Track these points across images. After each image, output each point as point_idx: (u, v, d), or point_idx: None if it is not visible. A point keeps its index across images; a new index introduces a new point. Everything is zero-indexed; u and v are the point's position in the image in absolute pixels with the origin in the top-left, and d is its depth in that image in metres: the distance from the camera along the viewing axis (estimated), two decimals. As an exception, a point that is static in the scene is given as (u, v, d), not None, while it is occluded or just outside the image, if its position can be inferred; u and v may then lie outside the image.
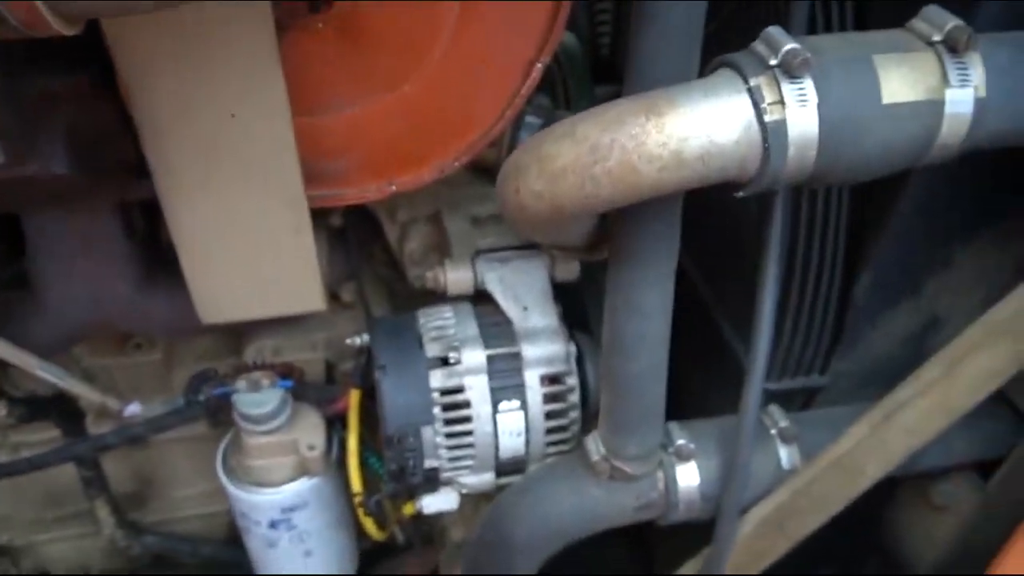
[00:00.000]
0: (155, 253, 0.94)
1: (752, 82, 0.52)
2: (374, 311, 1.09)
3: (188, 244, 0.76)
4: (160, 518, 1.37)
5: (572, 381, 0.87)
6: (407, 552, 1.35)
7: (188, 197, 0.72)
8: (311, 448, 1.00)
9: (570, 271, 0.91)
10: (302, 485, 1.02)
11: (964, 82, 0.53)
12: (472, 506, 1.15)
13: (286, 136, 0.70)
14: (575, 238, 0.70)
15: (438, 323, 0.88)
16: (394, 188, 0.82)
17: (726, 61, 0.54)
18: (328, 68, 0.72)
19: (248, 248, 0.77)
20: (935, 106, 0.53)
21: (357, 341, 0.89)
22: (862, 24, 0.72)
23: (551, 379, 0.86)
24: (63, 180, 0.75)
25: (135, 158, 0.78)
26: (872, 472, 0.78)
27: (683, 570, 0.87)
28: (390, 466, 0.85)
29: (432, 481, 0.87)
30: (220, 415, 1.02)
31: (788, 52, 0.51)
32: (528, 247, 0.91)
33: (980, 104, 0.54)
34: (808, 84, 0.51)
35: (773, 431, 0.82)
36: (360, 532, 1.28)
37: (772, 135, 0.52)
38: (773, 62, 0.51)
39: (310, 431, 1.01)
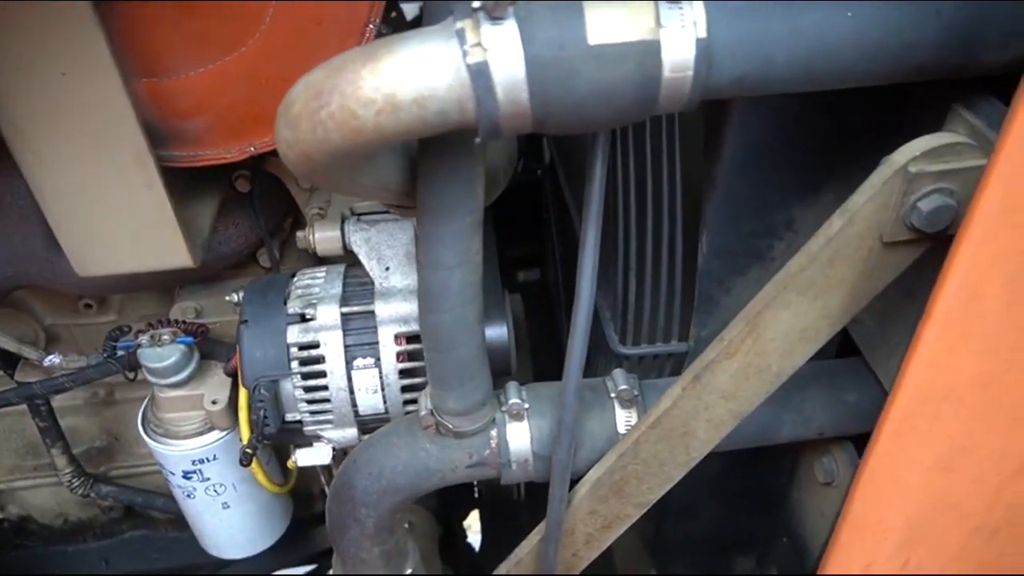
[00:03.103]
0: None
1: (458, 25, 0.52)
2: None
3: (49, 200, 0.82)
4: (127, 472, 1.46)
5: (430, 340, 0.88)
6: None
7: (39, 155, 0.78)
8: (214, 403, 1.06)
9: (438, 234, 0.92)
10: (209, 438, 1.08)
11: (679, 23, 0.52)
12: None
13: (119, 94, 0.74)
14: (378, 193, 0.72)
15: (307, 282, 0.91)
16: (253, 149, 0.85)
17: (450, 8, 0.55)
18: (163, 30, 0.76)
19: (104, 204, 0.82)
20: (649, 46, 0.52)
21: (235, 298, 0.94)
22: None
23: (407, 338, 0.88)
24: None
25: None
26: (704, 436, 0.77)
27: (532, 534, 0.87)
28: (252, 416, 0.89)
29: (295, 433, 0.91)
30: (138, 369, 1.09)
31: (488, -7, 0.51)
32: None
33: (704, 45, 0.53)
34: (510, 26, 0.52)
35: (613, 394, 0.82)
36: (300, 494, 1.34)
37: (476, 77, 0.52)
38: (476, 5, 0.52)
39: (216, 387, 1.07)
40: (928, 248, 0.63)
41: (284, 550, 1.34)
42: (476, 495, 1.57)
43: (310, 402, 0.88)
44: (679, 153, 0.76)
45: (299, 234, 0.93)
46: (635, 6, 0.52)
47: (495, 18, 0.52)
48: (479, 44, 0.52)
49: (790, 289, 0.65)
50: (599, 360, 0.99)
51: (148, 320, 1.23)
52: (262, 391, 0.86)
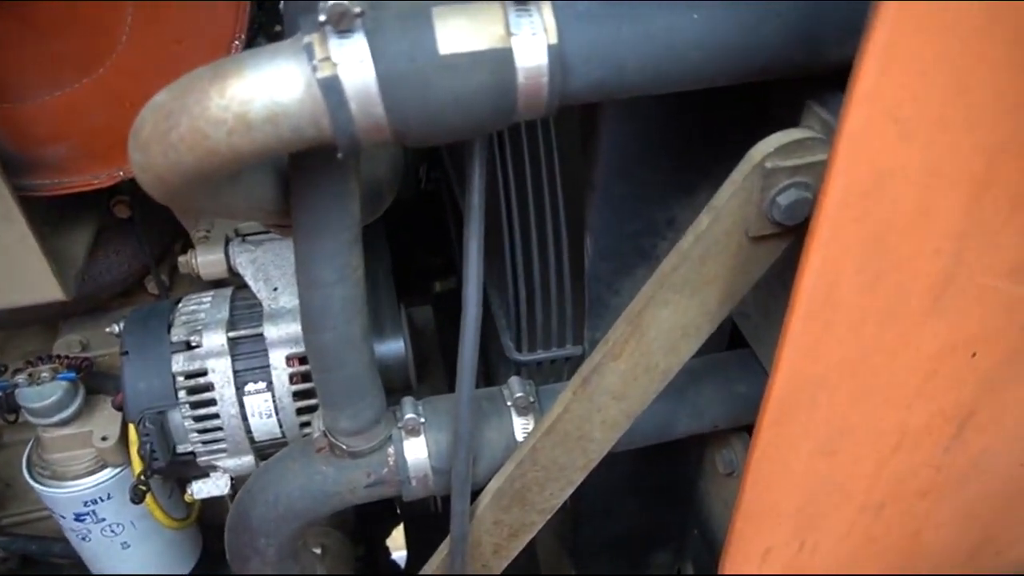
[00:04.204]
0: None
1: (306, 40, 0.51)
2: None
3: None
4: (22, 519, 1.38)
5: (323, 360, 0.86)
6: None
7: None
8: (104, 439, 1.01)
9: (328, 251, 0.90)
10: (101, 477, 1.03)
11: (529, 31, 0.52)
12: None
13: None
14: (252, 213, 0.70)
15: (192, 308, 0.88)
16: (122, 174, 0.82)
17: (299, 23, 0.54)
18: (13, 54, 0.72)
19: (-42, 238, 0.77)
20: (501, 55, 0.52)
21: (115, 329, 0.89)
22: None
23: (300, 359, 0.86)
24: None
25: None
26: (601, 437, 0.77)
27: (439, 550, 0.86)
28: (140, 452, 0.85)
29: (189, 465, 0.87)
30: (18, 411, 1.03)
31: (331, 7, 0.50)
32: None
33: (556, 52, 0.53)
34: (358, 39, 0.51)
35: (509, 402, 0.81)
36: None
37: (326, 92, 0.51)
38: (322, 18, 0.51)
39: (105, 422, 1.02)
40: (794, 240, 0.65)
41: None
42: (397, 511, 1.55)
43: (201, 431, 0.85)
44: (558, 157, 0.77)
45: (181, 259, 0.90)
46: (484, 15, 0.52)
47: (342, 32, 0.51)
48: (328, 58, 0.51)
49: (667, 288, 0.66)
50: (502, 369, 0.99)
51: (29, 357, 1.17)
52: (147, 424, 0.82)
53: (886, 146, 0.51)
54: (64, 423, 0.99)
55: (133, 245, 1.03)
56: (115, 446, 1.01)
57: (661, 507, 1.15)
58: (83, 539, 1.08)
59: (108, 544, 1.09)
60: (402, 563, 1.65)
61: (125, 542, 1.10)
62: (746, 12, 0.56)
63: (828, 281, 0.58)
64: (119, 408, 1.00)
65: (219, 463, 0.88)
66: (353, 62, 0.51)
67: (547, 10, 0.53)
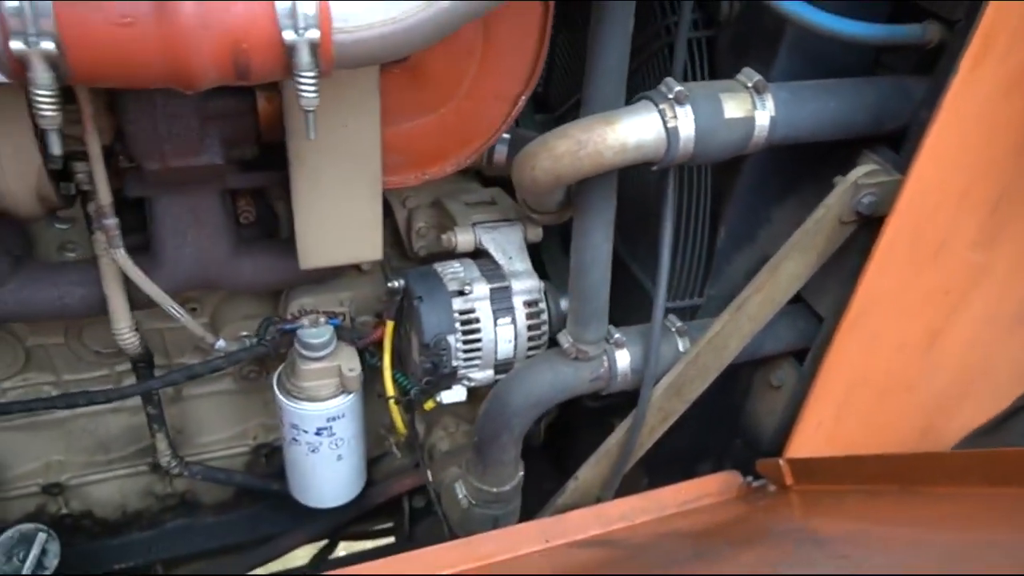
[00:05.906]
0: (241, 229, 1.32)
1: (660, 107, 0.99)
2: (380, 278, 1.49)
3: (304, 209, 1.14)
4: (194, 458, 1.68)
5: (543, 306, 1.31)
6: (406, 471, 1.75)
7: (310, 177, 1.11)
8: (351, 370, 1.38)
9: (536, 234, 1.36)
10: (343, 400, 1.40)
11: (763, 108, 1.03)
12: (454, 423, 1.56)
13: (375, 138, 1.10)
14: (552, 205, 1.15)
15: (452, 270, 1.30)
16: (426, 176, 1.24)
17: (645, 95, 1.01)
18: (395, 97, 1.13)
19: (341, 211, 1.16)
20: (750, 120, 1.02)
21: (395, 284, 1.30)
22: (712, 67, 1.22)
23: (529, 304, 1.30)
24: (214, 169, 1.12)
25: (250, 156, 1.17)
26: (732, 347, 1.26)
27: (616, 431, 1.31)
28: (425, 365, 1.25)
29: (452, 376, 1.28)
30: (280, 349, 1.39)
31: (677, 91, 0.98)
32: (506, 220, 1.35)
33: (773, 120, 1.04)
34: (688, 107, 0.99)
35: (673, 329, 1.29)
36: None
37: (671, 135, 0.99)
38: (670, 96, 0.99)
39: (348, 359, 1.39)
40: (860, 227, 1.18)
41: (354, 504, 1.64)
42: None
43: (467, 352, 1.27)
44: (708, 177, 1.27)
45: (443, 236, 1.32)
46: (743, 98, 1.02)
47: (680, 103, 0.99)
48: (674, 117, 0.99)
49: (793, 249, 1.17)
50: (635, 314, 1.46)
51: (252, 319, 1.51)
52: (443, 342, 1.23)
53: (926, 181, 1.05)
54: (324, 358, 1.36)
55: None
56: (357, 375, 1.38)
57: (713, 425, 1.64)
58: (313, 451, 1.43)
59: (329, 455, 1.44)
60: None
61: (340, 455, 1.46)
62: (850, 104, 1.09)
63: (891, 251, 1.12)
64: (361, 350, 1.39)
65: (471, 375, 1.29)
66: (685, 120, 0.99)
67: (770, 98, 1.04)
